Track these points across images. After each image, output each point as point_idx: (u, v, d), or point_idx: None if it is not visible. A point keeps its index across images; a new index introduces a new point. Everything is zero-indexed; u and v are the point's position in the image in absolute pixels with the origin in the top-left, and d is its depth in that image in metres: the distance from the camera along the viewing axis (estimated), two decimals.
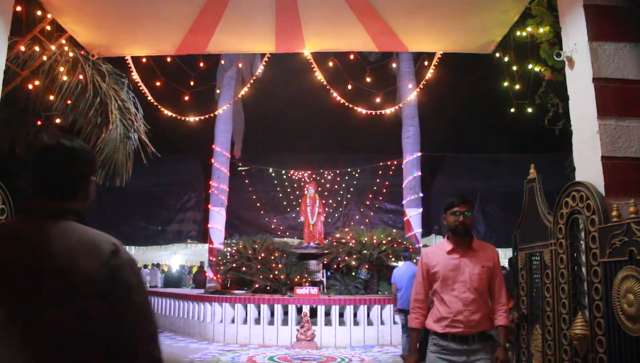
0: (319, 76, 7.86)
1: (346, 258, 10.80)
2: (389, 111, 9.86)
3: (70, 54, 7.28)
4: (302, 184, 14.78)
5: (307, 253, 11.62)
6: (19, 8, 5.33)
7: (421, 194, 13.34)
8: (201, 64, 10.11)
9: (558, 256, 3.49)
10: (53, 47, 6.62)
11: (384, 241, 10.84)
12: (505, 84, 6.78)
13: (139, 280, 1.36)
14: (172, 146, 12.44)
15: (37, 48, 6.68)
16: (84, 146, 1.43)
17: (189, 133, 12.16)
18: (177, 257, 20.94)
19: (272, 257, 10.81)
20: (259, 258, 10.77)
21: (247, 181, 15.75)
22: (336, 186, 15.80)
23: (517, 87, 6.66)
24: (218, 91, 13.81)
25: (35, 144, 1.41)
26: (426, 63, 8.01)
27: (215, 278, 12.26)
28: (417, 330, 2.95)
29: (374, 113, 9.50)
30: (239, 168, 15.56)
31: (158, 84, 8.71)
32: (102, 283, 1.27)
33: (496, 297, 2.92)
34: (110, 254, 1.31)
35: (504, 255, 12.09)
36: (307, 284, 10.23)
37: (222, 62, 13.56)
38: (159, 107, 7.95)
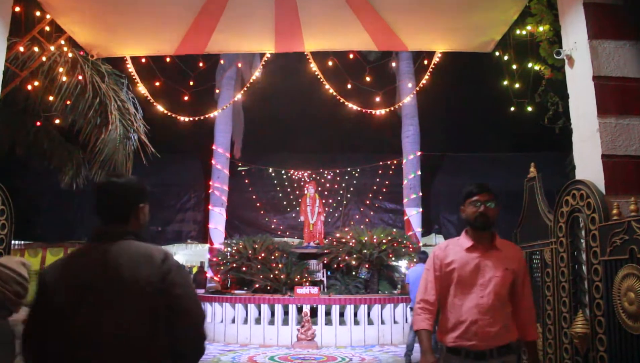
0: (318, 75, 7.85)
1: (346, 257, 10.78)
2: (388, 110, 9.84)
3: (70, 55, 7.26)
4: (302, 184, 14.75)
5: (307, 252, 11.59)
6: (17, 9, 5.32)
7: (421, 194, 13.34)
8: (200, 64, 10.09)
9: (558, 255, 3.48)
10: (52, 48, 6.60)
11: (384, 241, 10.83)
12: (505, 83, 6.78)
13: (185, 278, 1.73)
14: (172, 146, 12.41)
15: (36, 49, 6.66)
16: (131, 181, 1.85)
17: (189, 133, 12.14)
18: (177, 257, 20.90)
19: (272, 257, 10.80)
20: (259, 258, 10.76)
21: (247, 181, 15.71)
22: (336, 186, 15.77)
23: (517, 86, 6.66)
24: (217, 91, 13.81)
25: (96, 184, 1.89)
26: (426, 62, 7.99)
27: (215, 278, 12.25)
28: (429, 331, 2.47)
29: (373, 112, 9.49)
30: (239, 168, 15.53)
31: (157, 84, 8.69)
32: (158, 283, 1.64)
33: (523, 305, 2.48)
34: (161, 261, 1.68)
35: None
36: (307, 284, 10.21)
37: (222, 62, 13.54)
38: (159, 107, 7.94)
